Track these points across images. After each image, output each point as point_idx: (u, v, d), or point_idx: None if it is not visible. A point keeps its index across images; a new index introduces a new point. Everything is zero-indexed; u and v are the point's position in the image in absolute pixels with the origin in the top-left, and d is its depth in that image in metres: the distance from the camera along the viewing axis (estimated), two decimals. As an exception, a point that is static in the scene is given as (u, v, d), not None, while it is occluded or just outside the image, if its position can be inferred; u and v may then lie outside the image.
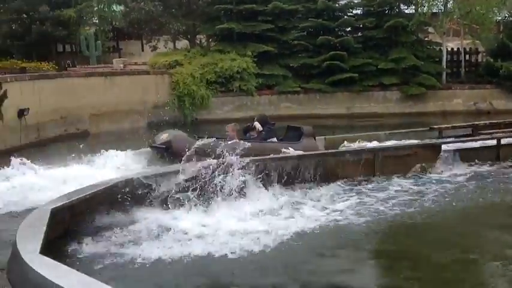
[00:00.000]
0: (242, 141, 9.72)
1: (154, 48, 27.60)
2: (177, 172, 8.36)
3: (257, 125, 11.27)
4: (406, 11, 24.88)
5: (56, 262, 5.04)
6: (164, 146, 10.59)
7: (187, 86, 20.81)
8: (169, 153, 10.46)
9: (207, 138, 9.29)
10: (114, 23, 30.43)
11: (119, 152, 11.15)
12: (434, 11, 23.72)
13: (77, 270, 4.97)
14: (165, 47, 27.13)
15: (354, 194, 9.20)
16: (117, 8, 29.23)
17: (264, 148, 10.26)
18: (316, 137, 12.01)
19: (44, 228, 6.01)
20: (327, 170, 9.88)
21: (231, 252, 6.58)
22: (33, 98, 16.37)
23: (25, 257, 5.15)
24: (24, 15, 27.10)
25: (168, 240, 7.10)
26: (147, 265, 6.29)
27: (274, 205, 8.47)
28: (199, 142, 8.87)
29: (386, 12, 24.29)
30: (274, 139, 11.20)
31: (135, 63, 25.23)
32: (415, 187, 9.62)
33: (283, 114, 22.01)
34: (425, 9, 23.30)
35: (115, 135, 18.16)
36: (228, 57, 22.01)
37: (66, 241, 6.96)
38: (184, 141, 9.97)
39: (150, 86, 20.67)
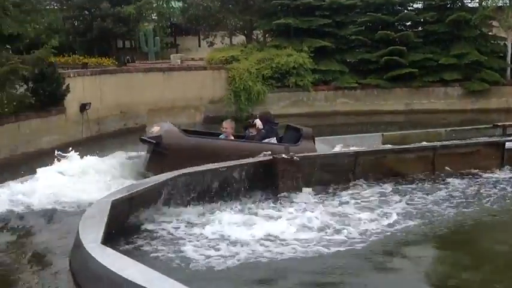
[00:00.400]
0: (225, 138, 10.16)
1: (211, 43, 27.85)
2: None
3: (257, 122, 10.55)
4: (470, 5, 24.10)
5: (116, 252, 5.15)
6: (154, 141, 9.68)
7: (243, 82, 20.87)
8: (159, 148, 9.66)
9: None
10: (172, 19, 30.92)
11: None
12: (499, 4, 22.89)
13: (135, 260, 5.05)
14: (222, 43, 27.31)
15: (412, 192, 8.98)
16: (176, 4, 29.67)
17: (257, 149, 9.60)
18: (373, 134, 11.79)
19: (105, 219, 6.15)
20: (385, 168, 9.69)
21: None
22: (95, 93, 16.81)
23: (87, 247, 5.28)
24: (86, 12, 27.91)
25: (227, 235, 7.13)
26: (204, 260, 6.32)
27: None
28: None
29: (449, 6, 23.60)
30: (274, 139, 10.43)
31: (192, 59, 25.53)
32: (474, 187, 9.27)
33: (339, 110, 21.81)
34: (489, 2, 22.52)
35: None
36: (285, 52, 21.93)
37: (125, 232, 7.08)
38: (175, 137, 9.75)
39: (206, 81, 20.86)
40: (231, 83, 21.02)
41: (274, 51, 22.23)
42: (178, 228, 7.42)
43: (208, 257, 6.35)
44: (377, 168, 9.66)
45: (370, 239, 6.93)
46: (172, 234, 7.20)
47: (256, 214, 7.90)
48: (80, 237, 5.60)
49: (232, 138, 10.35)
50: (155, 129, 10.02)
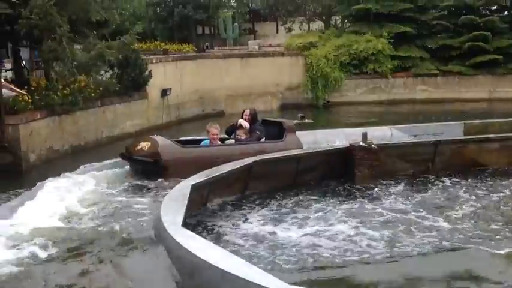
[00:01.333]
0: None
1: (289, 29, 27.83)
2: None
3: (243, 123, 9.55)
4: (561, -13, 22.82)
5: (196, 235, 5.34)
6: (151, 160, 8.61)
7: (320, 68, 20.77)
8: (158, 167, 8.65)
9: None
10: (251, 5, 31.09)
11: None
12: None
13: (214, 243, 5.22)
14: (300, 29, 27.23)
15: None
16: (255, -10, 29.79)
17: (253, 150, 8.98)
18: (454, 122, 11.42)
19: (186, 202, 6.38)
20: (466, 158, 9.43)
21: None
22: (175, 79, 17.27)
23: (169, 229, 5.50)
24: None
25: (301, 222, 7.21)
26: (282, 244, 6.42)
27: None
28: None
29: (538, -12, 22.46)
30: (263, 139, 9.71)
31: (270, 45, 25.61)
32: None
33: (418, 98, 21.31)
34: None
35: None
36: (363, 38, 21.60)
37: (204, 216, 7.31)
38: (173, 151, 8.82)
39: (284, 67, 20.91)
40: (308, 70, 20.97)
41: (352, 37, 21.97)
42: (254, 214, 7.57)
43: (286, 243, 6.45)
44: (458, 159, 9.41)
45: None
46: (248, 220, 7.35)
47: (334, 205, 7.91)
48: (162, 220, 5.83)
49: (220, 143, 9.38)
50: (145, 145, 8.83)
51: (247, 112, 9.74)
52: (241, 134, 9.49)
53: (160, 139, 8.95)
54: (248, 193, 8.33)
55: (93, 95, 12.94)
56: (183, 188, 7.02)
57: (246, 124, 9.55)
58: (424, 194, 8.28)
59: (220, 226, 7.05)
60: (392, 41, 21.63)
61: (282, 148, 9.20)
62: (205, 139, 9.46)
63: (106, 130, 13.68)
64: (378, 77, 21.50)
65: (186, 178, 7.45)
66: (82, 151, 12.30)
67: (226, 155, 8.66)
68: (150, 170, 8.64)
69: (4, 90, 10.37)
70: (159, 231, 5.89)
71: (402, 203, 7.88)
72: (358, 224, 6.95)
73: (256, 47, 24.00)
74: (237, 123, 9.62)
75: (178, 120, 17.14)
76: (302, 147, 9.55)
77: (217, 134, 9.27)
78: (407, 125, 11.96)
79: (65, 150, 12.08)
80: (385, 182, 8.73)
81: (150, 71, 15.29)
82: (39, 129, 11.30)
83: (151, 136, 9.31)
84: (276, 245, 6.36)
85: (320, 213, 7.47)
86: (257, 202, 8.05)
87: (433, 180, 8.92)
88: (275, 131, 9.87)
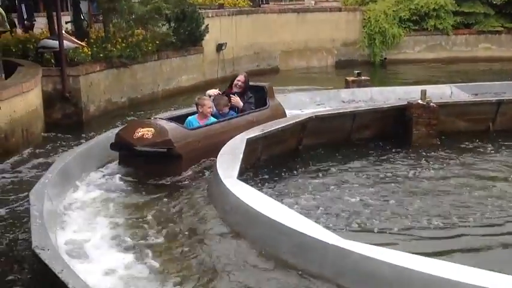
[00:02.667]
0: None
1: (347, -16, 27.10)
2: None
3: (236, 100, 8.19)
4: None
5: (251, 188, 5.42)
6: (164, 149, 6.85)
7: (378, 24, 20.24)
8: (171, 157, 6.94)
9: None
10: (307, -42, 30.36)
11: None
12: None
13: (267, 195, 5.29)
14: (358, -17, 26.47)
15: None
16: None
17: (247, 122, 8.03)
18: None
19: (241, 156, 6.46)
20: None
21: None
22: (230, 34, 17.21)
23: (225, 181, 5.60)
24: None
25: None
26: (336, 201, 6.44)
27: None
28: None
29: None
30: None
31: (327, 0, 25.10)
32: None
33: (480, 56, 20.53)
34: None
35: (303, 73, 18.54)
36: (425, -8, 20.84)
37: (258, 170, 7.39)
38: (185, 136, 7.22)
39: (340, 23, 20.48)
40: (365, 26, 20.46)
41: (413, -9, 21.21)
42: (308, 169, 7.60)
43: (340, 200, 6.47)
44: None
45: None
46: (301, 175, 7.38)
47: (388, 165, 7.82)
48: (218, 172, 5.93)
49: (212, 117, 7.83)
50: (146, 132, 6.96)
51: (241, 78, 8.28)
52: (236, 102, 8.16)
53: (164, 123, 7.22)
54: (302, 148, 8.36)
55: (150, 48, 13.06)
56: (238, 142, 7.09)
57: (236, 101, 8.15)
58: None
59: (274, 180, 7.12)
60: (455, -5, 20.79)
61: (268, 116, 8.32)
62: (189, 114, 7.91)
63: (162, 84, 13.86)
64: (438, 34, 20.78)
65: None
66: (139, 104, 12.55)
67: (230, 132, 7.47)
68: (156, 163, 6.89)
69: (65, 42, 10.60)
70: (215, 183, 6.01)
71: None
72: (411, 189, 6.83)
73: (313, 2, 23.60)
74: (229, 92, 8.24)
75: (233, 76, 17.06)
76: (285, 114, 8.76)
77: (208, 107, 7.69)
78: (468, 84, 11.64)
79: (122, 103, 12.34)
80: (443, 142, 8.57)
81: (206, 25, 15.28)
82: (98, 81, 11.55)
83: (147, 120, 7.55)
84: (330, 201, 6.39)
85: (374, 173, 7.42)
86: (311, 158, 8.07)
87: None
88: (257, 96, 8.63)
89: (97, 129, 9.72)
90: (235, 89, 8.32)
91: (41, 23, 14.22)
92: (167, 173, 6.89)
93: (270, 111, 8.55)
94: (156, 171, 6.88)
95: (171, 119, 7.55)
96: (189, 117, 7.65)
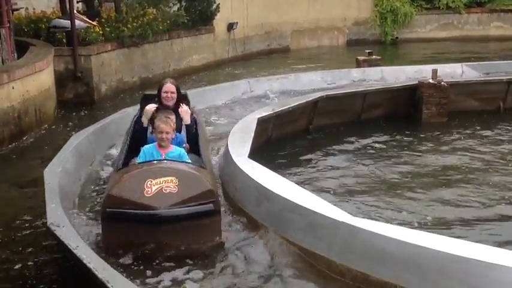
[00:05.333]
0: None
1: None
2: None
3: (185, 110, 5.70)
4: None
5: (262, 166, 5.46)
6: (210, 204, 4.59)
7: (390, 2, 20.05)
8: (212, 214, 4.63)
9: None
10: None
11: None
12: None
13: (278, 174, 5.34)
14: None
15: None
16: None
17: None
18: None
19: (252, 135, 6.51)
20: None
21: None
22: (241, 13, 17.14)
23: (236, 160, 5.65)
24: None
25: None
26: (346, 178, 6.50)
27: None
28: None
29: None
30: None
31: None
32: None
33: (492, 35, 20.34)
34: None
35: (314, 53, 18.46)
36: (437, -30, 20.60)
37: (269, 148, 7.44)
38: (214, 179, 5.32)
39: (351, 2, 20.31)
40: (377, 4, 20.29)
41: (425, -31, 20.97)
42: (319, 148, 7.65)
43: (350, 178, 6.52)
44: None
45: None
46: (312, 154, 7.43)
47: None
48: (229, 150, 5.99)
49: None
50: (166, 184, 4.45)
51: (170, 88, 5.69)
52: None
53: (185, 166, 4.80)
54: (312, 128, 8.40)
55: (161, 27, 13.07)
56: (249, 121, 7.14)
57: (185, 111, 5.68)
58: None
59: (285, 159, 7.18)
60: (468, -27, 20.54)
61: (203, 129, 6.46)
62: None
63: (173, 63, 13.88)
64: (450, 13, 20.58)
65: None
66: (150, 83, 12.58)
67: None
68: (190, 229, 4.52)
69: (76, 21, 10.64)
70: (226, 162, 6.06)
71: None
72: (414, 169, 6.85)
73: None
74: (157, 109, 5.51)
75: (244, 55, 17.13)
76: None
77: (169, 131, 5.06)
78: (479, 63, 11.57)
79: (133, 82, 12.40)
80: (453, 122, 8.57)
81: (217, 5, 15.24)
82: (110, 61, 11.60)
83: (154, 164, 4.72)
84: (340, 180, 6.45)
85: (384, 153, 7.46)
86: (322, 137, 8.12)
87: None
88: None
89: (109, 109, 9.80)
90: (166, 103, 5.64)
91: (42, 3, 14.09)
92: (205, 240, 4.60)
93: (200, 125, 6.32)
94: (188, 240, 4.52)
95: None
96: (145, 147, 5.06)
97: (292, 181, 5.36)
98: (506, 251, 3.70)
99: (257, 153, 6.45)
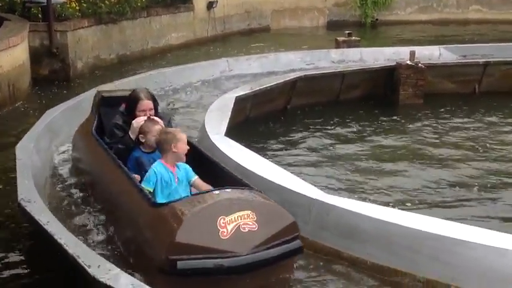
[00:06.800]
0: None
1: None
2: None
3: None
4: None
5: (239, 144, 5.46)
6: (298, 245, 3.73)
7: (370, -16, 20.03)
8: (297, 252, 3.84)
9: None
10: None
11: None
12: None
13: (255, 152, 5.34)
14: None
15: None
16: None
17: None
18: (505, 44, 10.96)
19: (229, 113, 6.49)
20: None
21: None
22: (221, -10, 16.94)
23: (212, 138, 5.63)
24: None
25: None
26: (320, 157, 6.52)
27: None
28: None
29: None
30: None
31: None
32: None
33: (471, 18, 20.43)
34: None
35: (295, 33, 18.39)
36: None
37: (246, 127, 7.43)
38: None
39: (332, -18, 20.25)
40: (357, -14, 20.25)
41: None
42: (296, 128, 7.66)
43: (325, 158, 6.55)
44: (506, 81, 9.16)
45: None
46: (289, 134, 7.44)
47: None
48: (205, 128, 5.96)
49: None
50: (244, 221, 3.50)
51: (148, 105, 4.74)
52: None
53: (258, 196, 3.82)
54: (291, 108, 8.40)
55: (139, 4, 12.89)
56: (227, 99, 7.11)
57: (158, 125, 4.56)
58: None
59: (262, 138, 7.18)
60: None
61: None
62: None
63: (152, 41, 13.71)
64: (431, -5, 20.63)
65: None
66: (128, 61, 12.44)
67: None
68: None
69: (52, -3, 10.44)
70: (202, 140, 6.04)
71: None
72: (389, 150, 6.92)
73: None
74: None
75: (224, 34, 16.97)
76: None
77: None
78: (457, 45, 11.64)
79: (111, 60, 12.23)
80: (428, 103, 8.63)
81: (197, -18, 15.06)
82: (86, 37, 11.41)
83: (233, 192, 3.74)
84: (317, 159, 6.48)
85: (358, 134, 7.50)
86: (299, 117, 8.12)
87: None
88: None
89: (85, 86, 9.66)
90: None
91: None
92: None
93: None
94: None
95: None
96: (156, 167, 4.07)
97: (268, 160, 5.37)
98: (475, 228, 3.77)
99: (235, 132, 6.44)
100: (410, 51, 8.81)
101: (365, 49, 11.80)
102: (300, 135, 7.41)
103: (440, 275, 3.56)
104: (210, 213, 3.51)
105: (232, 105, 6.80)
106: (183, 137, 4.10)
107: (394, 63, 8.93)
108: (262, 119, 7.84)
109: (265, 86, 7.84)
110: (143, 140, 4.47)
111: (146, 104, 4.72)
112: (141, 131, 4.47)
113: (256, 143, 6.88)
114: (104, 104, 5.32)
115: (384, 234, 3.79)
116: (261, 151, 6.44)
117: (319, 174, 5.98)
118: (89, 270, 3.20)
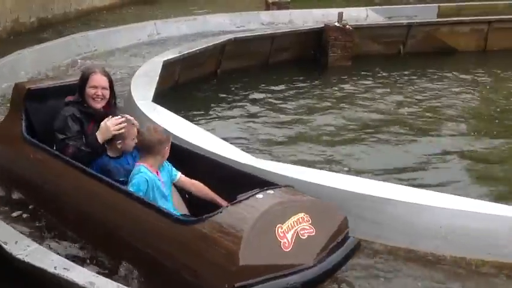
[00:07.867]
0: None
1: None
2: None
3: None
4: None
5: (166, 110, 5.36)
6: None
7: None
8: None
9: None
10: None
11: None
12: None
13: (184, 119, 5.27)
14: None
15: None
16: None
17: None
18: (429, 5, 11.23)
19: (157, 78, 6.36)
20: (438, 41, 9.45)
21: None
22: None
23: (139, 104, 5.51)
24: None
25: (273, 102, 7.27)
26: (252, 123, 6.53)
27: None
28: None
29: None
30: None
31: None
32: None
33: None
34: None
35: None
36: None
37: (176, 92, 7.32)
38: None
39: None
40: None
41: None
42: (226, 92, 7.61)
43: (256, 122, 6.55)
44: (429, 42, 9.43)
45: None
46: (220, 98, 7.39)
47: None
48: (132, 94, 5.82)
49: None
50: (302, 226, 3.02)
51: (101, 81, 3.98)
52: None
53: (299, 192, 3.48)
54: (221, 72, 8.32)
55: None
56: (155, 64, 6.96)
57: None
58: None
59: (191, 104, 7.09)
60: None
61: None
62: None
63: (75, 3, 13.14)
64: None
65: None
66: (49, 24, 11.90)
67: None
68: None
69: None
70: (129, 105, 5.90)
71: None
72: (318, 114, 6.96)
73: None
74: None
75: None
76: None
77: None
78: (383, 7, 11.85)
79: (31, 23, 11.64)
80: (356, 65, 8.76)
81: None
82: None
83: (277, 193, 3.27)
84: (248, 124, 6.48)
85: (286, 97, 7.54)
86: (230, 81, 8.07)
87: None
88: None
89: (2, 51, 9.16)
90: (93, 104, 3.98)
91: None
92: None
93: None
94: None
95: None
96: (144, 173, 3.49)
97: (198, 126, 5.32)
98: (400, 186, 3.91)
99: (163, 98, 6.33)
100: (338, 13, 8.88)
101: (294, 11, 11.83)
102: (230, 100, 7.37)
103: (367, 233, 3.68)
104: (266, 224, 2.95)
105: (160, 70, 6.65)
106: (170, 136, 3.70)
107: (322, 25, 8.98)
108: (192, 84, 7.73)
109: (194, 50, 7.71)
110: (119, 146, 3.73)
111: (99, 78, 3.94)
112: (119, 135, 3.71)
113: (186, 109, 6.77)
114: (32, 98, 4.25)
115: (311, 195, 3.84)
116: (191, 117, 6.36)
117: (249, 139, 5.98)
118: (5, 247, 3.09)
